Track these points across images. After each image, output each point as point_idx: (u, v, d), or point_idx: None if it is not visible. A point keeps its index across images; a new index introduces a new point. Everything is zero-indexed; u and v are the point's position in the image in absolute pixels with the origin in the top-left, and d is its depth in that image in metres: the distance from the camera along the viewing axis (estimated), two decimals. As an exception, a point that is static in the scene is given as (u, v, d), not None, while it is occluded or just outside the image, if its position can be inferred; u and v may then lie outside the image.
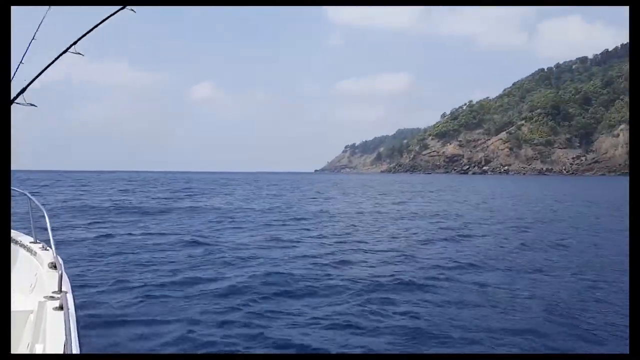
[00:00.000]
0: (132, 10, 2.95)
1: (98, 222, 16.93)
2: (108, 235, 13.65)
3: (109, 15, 2.95)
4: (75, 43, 2.97)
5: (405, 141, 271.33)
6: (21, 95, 3.15)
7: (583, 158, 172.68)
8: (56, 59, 3.03)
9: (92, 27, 2.96)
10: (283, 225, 17.36)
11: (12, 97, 3.16)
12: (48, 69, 3.03)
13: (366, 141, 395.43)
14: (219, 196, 35.44)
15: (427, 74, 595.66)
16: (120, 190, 42.00)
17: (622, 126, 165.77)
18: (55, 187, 45.25)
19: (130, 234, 14.24)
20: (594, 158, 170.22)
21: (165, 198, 31.79)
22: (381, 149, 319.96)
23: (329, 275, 9.07)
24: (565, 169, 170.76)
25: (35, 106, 3.22)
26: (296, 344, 5.54)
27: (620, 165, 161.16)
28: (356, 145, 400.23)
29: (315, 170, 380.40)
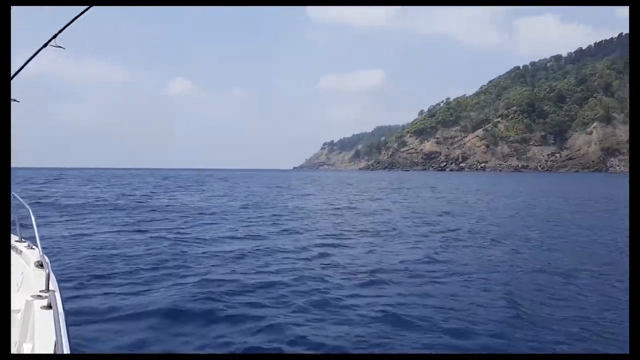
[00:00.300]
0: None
1: (73, 220, 16.78)
2: (84, 234, 13.57)
3: (83, 10, 3.02)
4: (55, 37, 3.05)
5: (383, 138, 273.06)
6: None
7: (557, 155, 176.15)
8: (37, 52, 3.08)
9: (69, 20, 3.03)
10: (260, 221, 17.47)
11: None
12: (34, 67, 3.10)
13: (344, 138, 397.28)
14: (197, 193, 35.28)
15: (406, 71, 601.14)
16: (98, 187, 41.49)
17: (595, 124, 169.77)
18: (27, 184, 44.45)
19: (107, 230, 14.19)
20: (568, 155, 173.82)
21: (143, 195, 31.54)
22: (359, 146, 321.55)
23: (299, 269, 9.24)
24: (540, 166, 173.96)
25: (18, 101, 3.26)
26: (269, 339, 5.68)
27: (593, 161, 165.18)
28: (334, 142, 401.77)
29: (294, 168, 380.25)
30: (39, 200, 24.84)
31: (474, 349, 5.45)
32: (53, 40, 2.98)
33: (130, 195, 31.63)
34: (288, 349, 5.34)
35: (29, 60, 3.18)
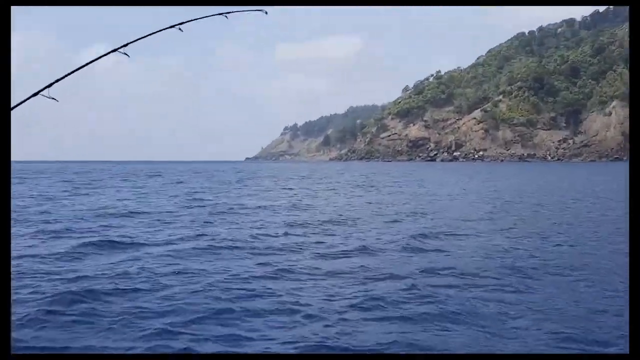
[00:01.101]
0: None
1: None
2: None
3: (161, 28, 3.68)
4: (123, 46, 3.76)
5: (359, 121, 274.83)
6: (47, 88, 3.89)
7: (570, 141, 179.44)
8: (97, 59, 3.78)
9: (143, 35, 3.71)
10: (205, 221, 18.95)
11: (37, 90, 3.91)
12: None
13: (311, 121, 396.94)
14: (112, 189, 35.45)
15: (387, 38, 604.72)
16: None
17: (614, 103, 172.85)
18: None
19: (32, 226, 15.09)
20: (582, 141, 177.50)
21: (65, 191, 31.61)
22: (329, 132, 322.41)
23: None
24: (549, 154, 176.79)
25: (57, 100, 3.92)
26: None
27: (612, 149, 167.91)
28: (298, 126, 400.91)
29: (247, 159, 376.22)
30: None
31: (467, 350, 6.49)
32: (122, 47, 3.70)
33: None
34: None
35: (86, 64, 3.86)
